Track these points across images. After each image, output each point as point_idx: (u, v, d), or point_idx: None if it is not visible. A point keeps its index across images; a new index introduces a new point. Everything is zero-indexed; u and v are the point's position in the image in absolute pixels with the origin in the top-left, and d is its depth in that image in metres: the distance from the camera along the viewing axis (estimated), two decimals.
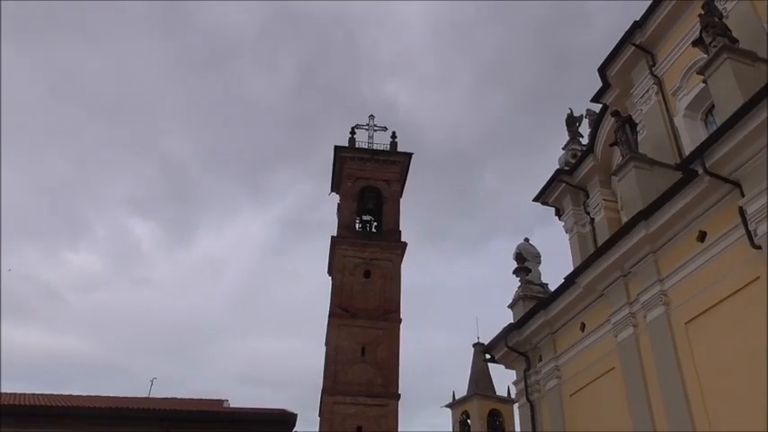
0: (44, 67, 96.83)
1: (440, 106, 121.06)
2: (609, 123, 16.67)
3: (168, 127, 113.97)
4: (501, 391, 46.64)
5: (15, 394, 23.31)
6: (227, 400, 24.50)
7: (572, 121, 21.11)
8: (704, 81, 11.53)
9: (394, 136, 30.80)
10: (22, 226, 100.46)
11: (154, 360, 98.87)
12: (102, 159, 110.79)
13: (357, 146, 30.46)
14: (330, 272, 28.26)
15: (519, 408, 17.47)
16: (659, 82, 15.36)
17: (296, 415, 21.09)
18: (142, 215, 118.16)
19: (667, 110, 14.98)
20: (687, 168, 10.83)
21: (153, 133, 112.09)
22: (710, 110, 13.78)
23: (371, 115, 31.65)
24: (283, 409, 21.70)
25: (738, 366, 10.01)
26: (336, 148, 29.96)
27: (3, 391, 22.98)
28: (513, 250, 18.64)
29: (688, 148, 13.20)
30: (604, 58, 16.69)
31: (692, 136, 13.94)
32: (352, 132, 30.68)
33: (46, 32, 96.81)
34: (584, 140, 20.22)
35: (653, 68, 15.48)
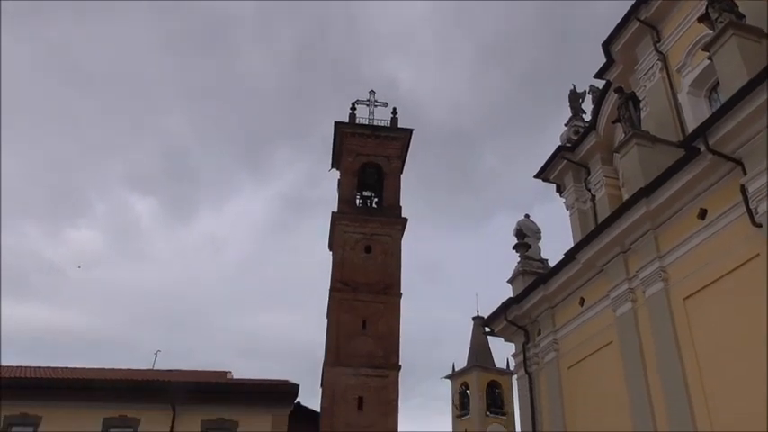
0: (42, 43, 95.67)
1: (441, 83, 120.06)
2: (612, 100, 16.65)
3: (167, 104, 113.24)
4: (500, 363, 47.31)
5: (19, 367, 23.64)
6: (230, 372, 24.90)
7: (575, 98, 21.05)
8: (709, 58, 11.51)
9: (395, 112, 30.60)
10: (22, 202, 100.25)
11: (156, 334, 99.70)
12: (101, 137, 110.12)
13: (358, 122, 30.29)
14: (331, 247, 28.41)
15: (517, 379, 17.79)
16: (664, 58, 15.27)
17: (298, 386, 21.51)
18: (142, 192, 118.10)
19: (671, 86, 14.94)
20: (689, 146, 10.88)
21: (151, 110, 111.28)
22: (715, 87, 13.75)
23: (372, 91, 31.43)
24: (286, 380, 22.11)
25: (736, 342, 10.19)
26: (337, 124, 29.82)
27: (4, 364, 23.30)
28: (513, 226, 18.80)
29: (691, 126, 13.22)
30: (609, 33, 16.59)
31: (695, 113, 13.94)
32: (353, 108, 30.50)
33: (41, 10, 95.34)
34: (587, 117, 20.20)
35: (658, 44, 15.38)
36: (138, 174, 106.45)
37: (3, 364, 23.28)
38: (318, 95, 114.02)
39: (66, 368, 24.83)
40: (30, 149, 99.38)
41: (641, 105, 14.57)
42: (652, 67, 15.48)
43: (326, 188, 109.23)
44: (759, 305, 9.70)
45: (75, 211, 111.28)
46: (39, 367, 24.52)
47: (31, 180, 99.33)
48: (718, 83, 12.75)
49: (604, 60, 17.13)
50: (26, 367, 24.07)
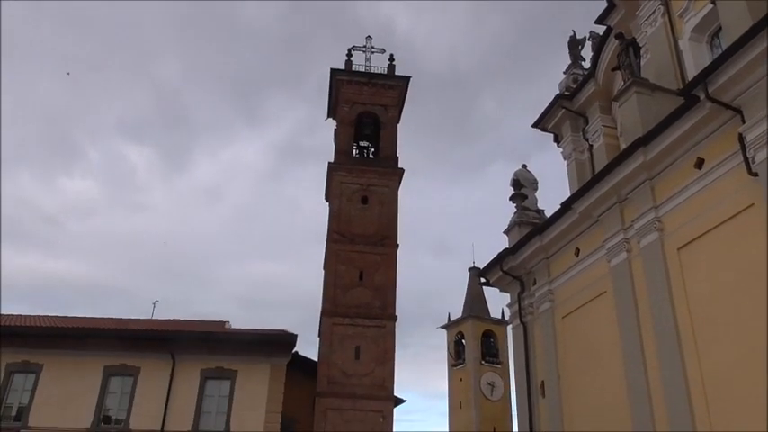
0: None
1: (438, 28, 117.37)
2: (612, 47, 16.28)
3: (159, 50, 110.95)
4: (495, 313, 47.93)
5: (21, 316, 23.90)
6: (228, 322, 25.16)
7: (574, 44, 20.56)
8: (712, 1, 11.17)
9: (392, 59, 29.82)
10: (15, 150, 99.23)
11: (154, 284, 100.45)
12: (93, 83, 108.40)
13: (354, 69, 29.62)
14: (327, 198, 28.28)
15: (512, 329, 18.01)
16: (666, 2, 14.85)
17: (296, 336, 21.74)
18: (136, 141, 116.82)
19: (673, 32, 14.58)
20: (689, 94, 10.68)
21: (144, 56, 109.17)
22: (717, 32, 13.43)
23: (369, 36, 30.55)
24: (284, 330, 22.33)
25: (728, 292, 10.24)
26: (332, 71, 29.18)
27: (4, 313, 23.53)
28: (510, 176, 18.69)
29: (692, 73, 12.96)
30: None
31: (696, 60, 13.65)
32: (349, 54, 29.75)
33: None
34: (587, 65, 19.80)
35: None
36: (133, 121, 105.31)
37: (3, 312, 23.53)
38: (313, 41, 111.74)
39: (68, 317, 25.11)
40: (21, 94, 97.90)
41: (642, 52, 14.26)
42: (654, 11, 15.06)
43: (323, 137, 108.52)
44: (753, 255, 9.70)
45: (69, 160, 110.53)
46: (40, 316, 24.80)
47: (23, 126, 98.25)
48: (720, 28, 12.45)
49: (606, 5, 16.66)
50: (27, 316, 24.34)
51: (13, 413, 20.11)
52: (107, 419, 20.37)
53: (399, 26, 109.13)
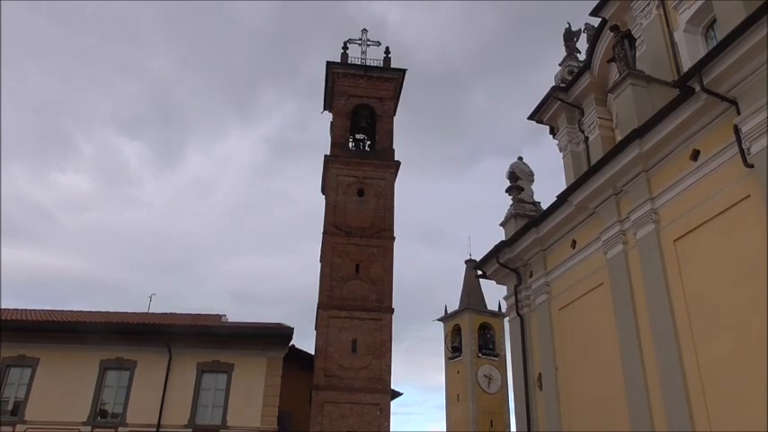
0: None
1: (429, 22, 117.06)
2: (607, 39, 16.24)
3: (152, 45, 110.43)
4: (492, 306, 48.06)
5: (17, 310, 23.86)
6: (224, 316, 25.16)
7: (570, 36, 20.55)
8: None
9: (387, 51, 29.66)
10: (8, 145, 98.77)
11: (149, 278, 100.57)
12: (86, 78, 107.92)
13: (350, 62, 29.50)
14: (324, 191, 28.23)
15: (509, 321, 18.04)
16: None
17: (292, 329, 21.77)
18: (129, 135, 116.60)
19: (668, 24, 14.57)
20: (684, 86, 10.69)
21: (137, 51, 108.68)
22: (712, 24, 13.43)
23: (364, 29, 30.35)
24: (280, 323, 22.39)
25: (724, 283, 10.27)
26: (329, 64, 29.07)
27: (3, 307, 23.47)
28: (502, 170, 18.71)
29: (687, 65, 12.96)
30: None
31: (691, 52, 13.64)
32: (345, 48, 29.64)
33: None
34: (582, 57, 19.77)
35: None
36: (125, 116, 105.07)
37: (0, 306, 23.46)
38: (304, 37, 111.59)
39: (64, 311, 25.06)
40: (14, 88, 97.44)
41: (637, 44, 14.23)
42: (648, 3, 15.05)
43: (314, 131, 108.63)
44: (749, 246, 9.73)
45: (63, 155, 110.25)
46: (36, 310, 24.76)
47: (16, 121, 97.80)
48: (715, 20, 12.45)
49: None
50: (24, 310, 24.30)
51: (10, 407, 20.08)
52: (103, 413, 20.36)
53: (391, 22, 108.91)
